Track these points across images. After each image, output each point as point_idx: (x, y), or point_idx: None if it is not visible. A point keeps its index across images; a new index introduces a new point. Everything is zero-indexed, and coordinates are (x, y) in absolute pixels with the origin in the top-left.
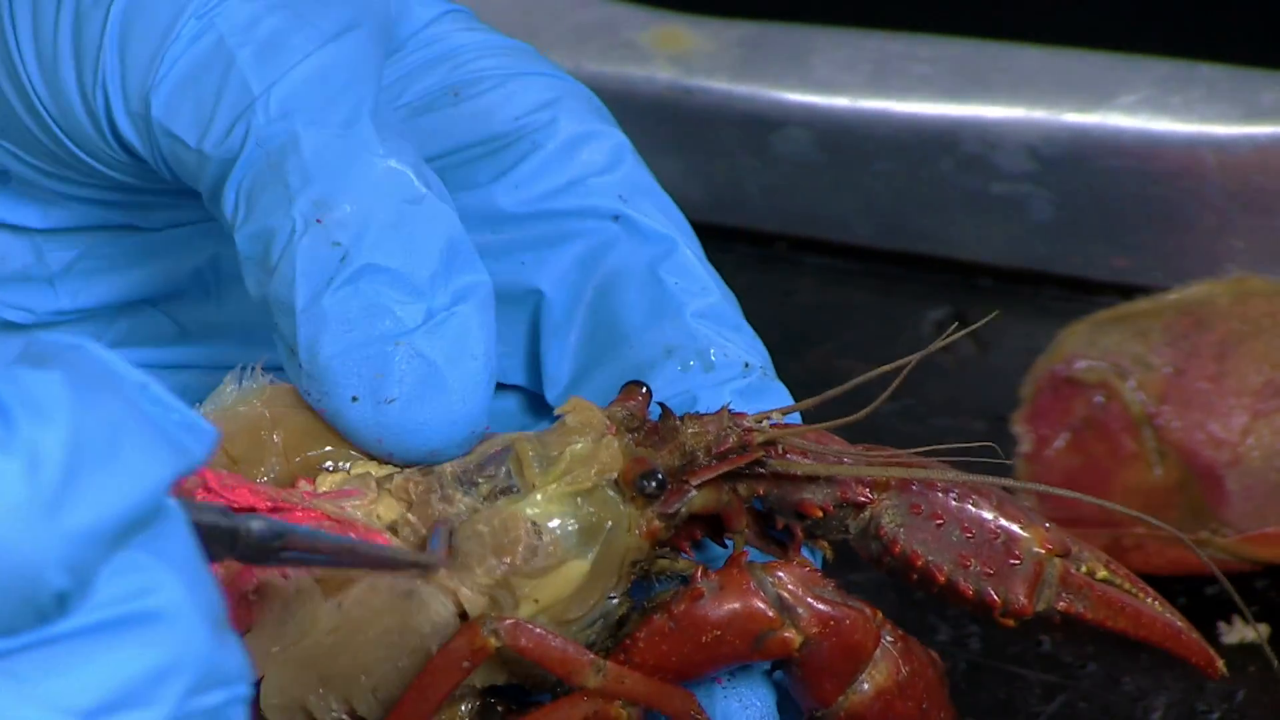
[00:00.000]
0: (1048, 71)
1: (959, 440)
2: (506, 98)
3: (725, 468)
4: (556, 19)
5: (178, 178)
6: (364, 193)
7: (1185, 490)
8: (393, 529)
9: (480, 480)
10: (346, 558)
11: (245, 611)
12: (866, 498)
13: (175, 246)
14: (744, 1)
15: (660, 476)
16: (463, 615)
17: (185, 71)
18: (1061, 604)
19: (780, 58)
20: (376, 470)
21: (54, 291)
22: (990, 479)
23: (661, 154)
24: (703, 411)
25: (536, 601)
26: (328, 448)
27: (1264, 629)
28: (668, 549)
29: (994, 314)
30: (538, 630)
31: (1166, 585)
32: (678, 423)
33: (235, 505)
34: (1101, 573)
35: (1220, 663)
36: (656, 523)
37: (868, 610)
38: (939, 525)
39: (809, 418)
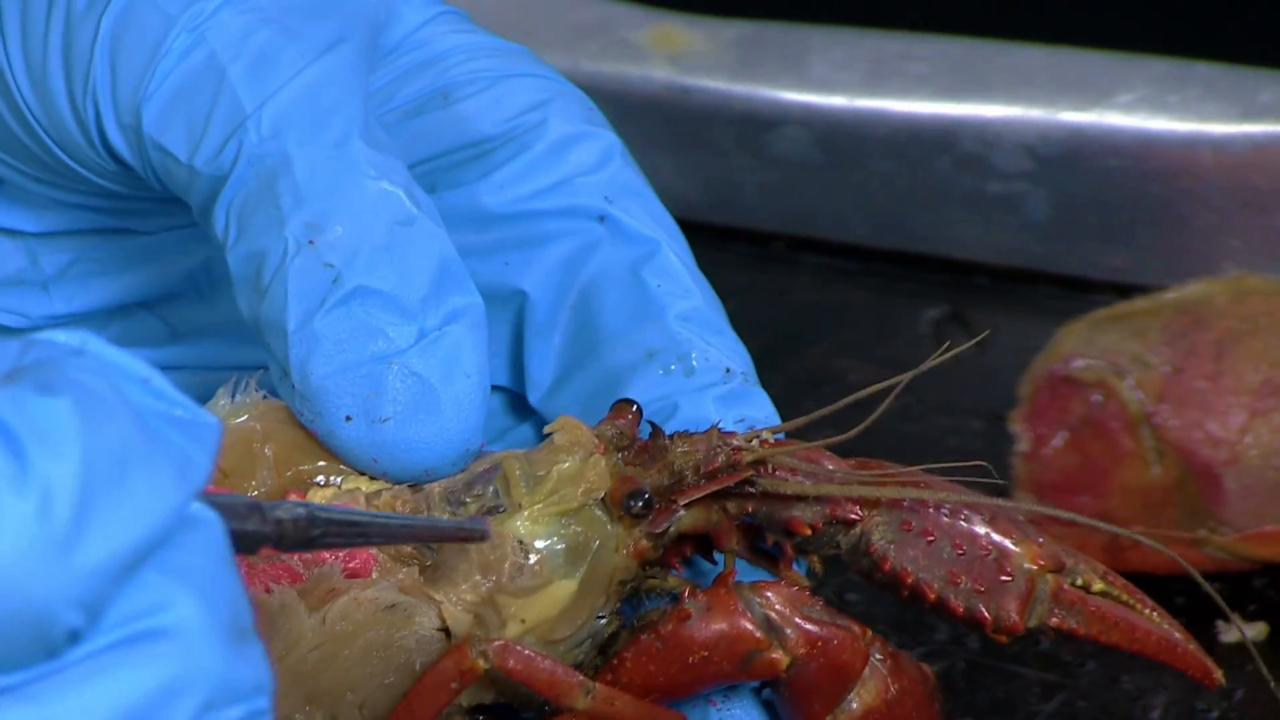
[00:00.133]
0: (1045, 70)
1: (956, 440)
2: (497, 100)
3: (713, 487)
4: (553, 18)
5: (168, 189)
6: (356, 214)
7: (1183, 489)
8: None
9: (468, 499)
10: (386, 535)
11: None
12: (856, 515)
13: (168, 250)
14: (741, 1)
15: (647, 496)
16: (446, 630)
17: (177, 85)
18: (1054, 620)
19: (777, 57)
20: (366, 486)
21: (48, 296)
22: (982, 499)
23: (658, 153)
24: (683, 417)
25: (523, 621)
26: (320, 463)
27: (1262, 627)
28: (657, 567)
29: (985, 333)
30: (526, 652)
31: (1165, 584)
32: (667, 442)
33: None
34: (1097, 585)
35: (1218, 674)
36: (644, 542)
37: (856, 629)
38: (930, 542)
39: (803, 432)
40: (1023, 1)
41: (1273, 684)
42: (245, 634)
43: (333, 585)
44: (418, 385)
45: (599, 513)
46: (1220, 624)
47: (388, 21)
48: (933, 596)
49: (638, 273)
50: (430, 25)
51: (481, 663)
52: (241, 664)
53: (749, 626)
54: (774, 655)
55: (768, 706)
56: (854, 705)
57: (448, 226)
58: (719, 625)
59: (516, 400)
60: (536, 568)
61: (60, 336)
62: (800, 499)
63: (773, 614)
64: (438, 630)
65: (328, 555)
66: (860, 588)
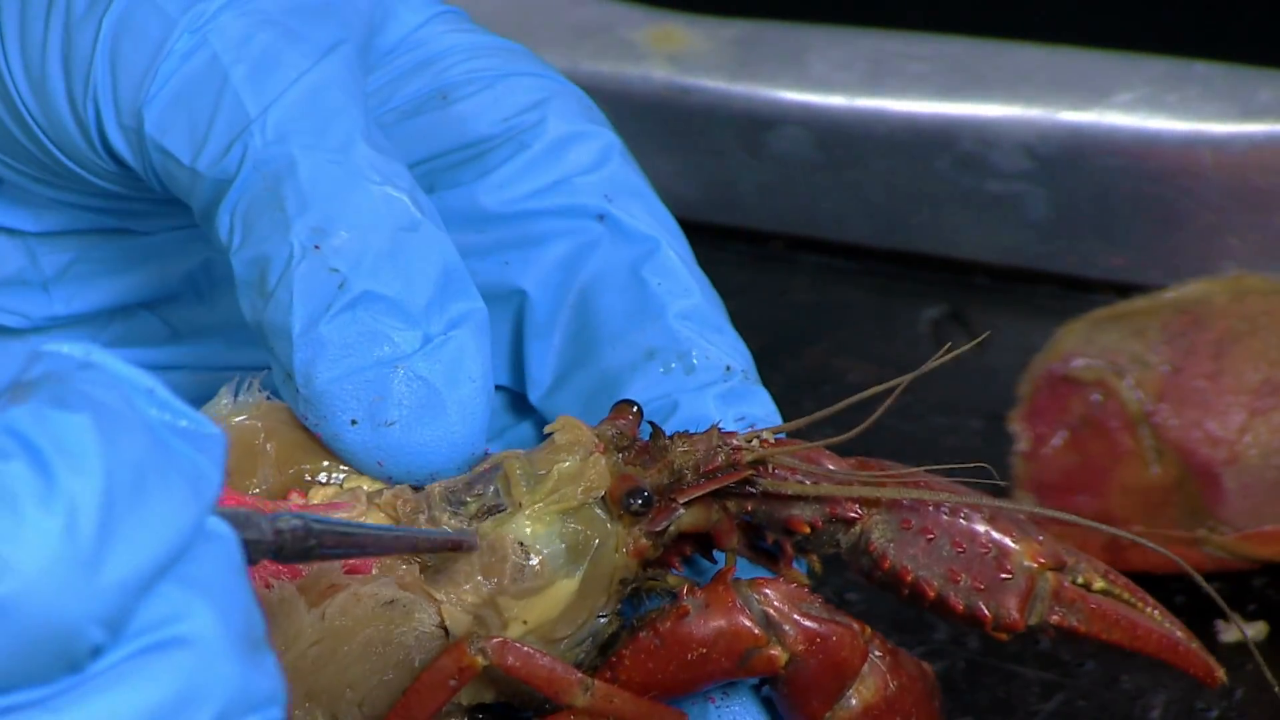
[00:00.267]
0: (1044, 70)
1: (956, 439)
2: (495, 100)
3: (713, 486)
4: (552, 18)
5: (168, 191)
6: (361, 219)
7: (1183, 488)
8: None
9: (469, 499)
10: (381, 545)
11: None
12: (856, 514)
13: (168, 250)
14: (740, 1)
15: (646, 495)
16: (445, 628)
17: (179, 87)
18: (1054, 618)
19: (776, 56)
20: (368, 485)
21: (48, 297)
22: (981, 498)
23: (657, 153)
24: (683, 415)
25: (524, 623)
26: (324, 462)
27: (1262, 627)
28: (658, 567)
29: (985, 334)
30: (525, 649)
31: (1165, 584)
32: (667, 441)
33: None
34: (1098, 583)
35: (1220, 672)
36: (644, 541)
37: (855, 626)
38: (929, 540)
39: (803, 431)
40: (1022, 1)
41: (1276, 686)
42: (259, 644)
43: (332, 581)
44: (423, 389)
45: (599, 512)
46: (1220, 624)
47: (383, 22)
48: (932, 595)
49: (637, 271)
50: (429, 25)
51: (480, 660)
52: (256, 674)
53: (747, 623)
54: (772, 652)
55: (767, 704)
56: (853, 702)
57: (447, 227)
58: (717, 622)
59: (517, 399)
60: (538, 569)
61: (65, 348)
62: (800, 498)
63: (771, 611)
64: (437, 627)
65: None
66: (860, 587)
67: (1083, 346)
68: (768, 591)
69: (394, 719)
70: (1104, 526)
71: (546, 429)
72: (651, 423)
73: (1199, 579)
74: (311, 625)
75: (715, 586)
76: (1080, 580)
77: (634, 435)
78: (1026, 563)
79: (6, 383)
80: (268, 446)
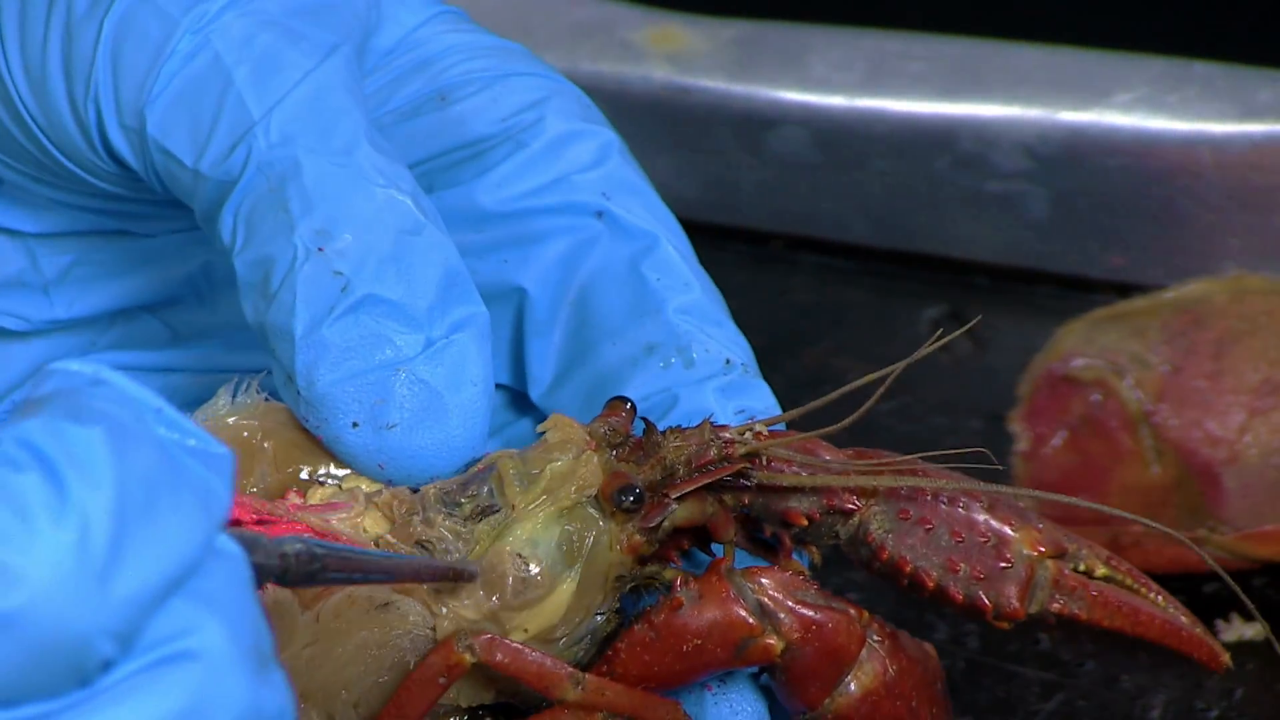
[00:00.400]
0: (1044, 70)
1: (956, 439)
2: (493, 100)
3: (705, 481)
4: (552, 18)
5: (169, 192)
6: (365, 222)
7: (1183, 488)
8: (376, 544)
9: (463, 500)
10: (383, 572)
11: None
12: (854, 504)
13: (168, 253)
14: (740, 0)
15: (638, 491)
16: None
17: (181, 88)
18: (1055, 606)
19: (776, 57)
20: (366, 485)
21: (49, 300)
22: (979, 484)
23: (657, 153)
24: (683, 409)
25: (525, 630)
26: (321, 465)
27: (1262, 627)
28: (655, 562)
29: (977, 319)
30: (513, 645)
31: (1165, 584)
32: (659, 437)
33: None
34: (1100, 570)
35: (1225, 656)
36: (638, 537)
37: (852, 611)
38: (928, 530)
39: (800, 423)
40: (1022, 1)
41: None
42: (267, 660)
43: (311, 587)
44: (425, 393)
45: (592, 510)
46: (1220, 623)
47: (381, 23)
48: (931, 585)
49: (636, 267)
50: (427, 25)
51: (468, 657)
52: (265, 689)
53: (742, 613)
54: (768, 641)
55: (766, 692)
56: (851, 687)
57: (446, 226)
58: (712, 613)
59: (517, 396)
60: (539, 579)
61: (75, 366)
62: (796, 490)
63: (766, 599)
64: (431, 630)
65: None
66: (860, 585)
67: (1083, 346)
68: (762, 580)
69: (386, 717)
70: (1103, 507)
71: (539, 428)
72: (644, 418)
73: (1212, 563)
74: (306, 626)
75: (709, 577)
76: (1082, 567)
77: (627, 431)
78: (1026, 551)
79: (5, 390)
80: (265, 445)
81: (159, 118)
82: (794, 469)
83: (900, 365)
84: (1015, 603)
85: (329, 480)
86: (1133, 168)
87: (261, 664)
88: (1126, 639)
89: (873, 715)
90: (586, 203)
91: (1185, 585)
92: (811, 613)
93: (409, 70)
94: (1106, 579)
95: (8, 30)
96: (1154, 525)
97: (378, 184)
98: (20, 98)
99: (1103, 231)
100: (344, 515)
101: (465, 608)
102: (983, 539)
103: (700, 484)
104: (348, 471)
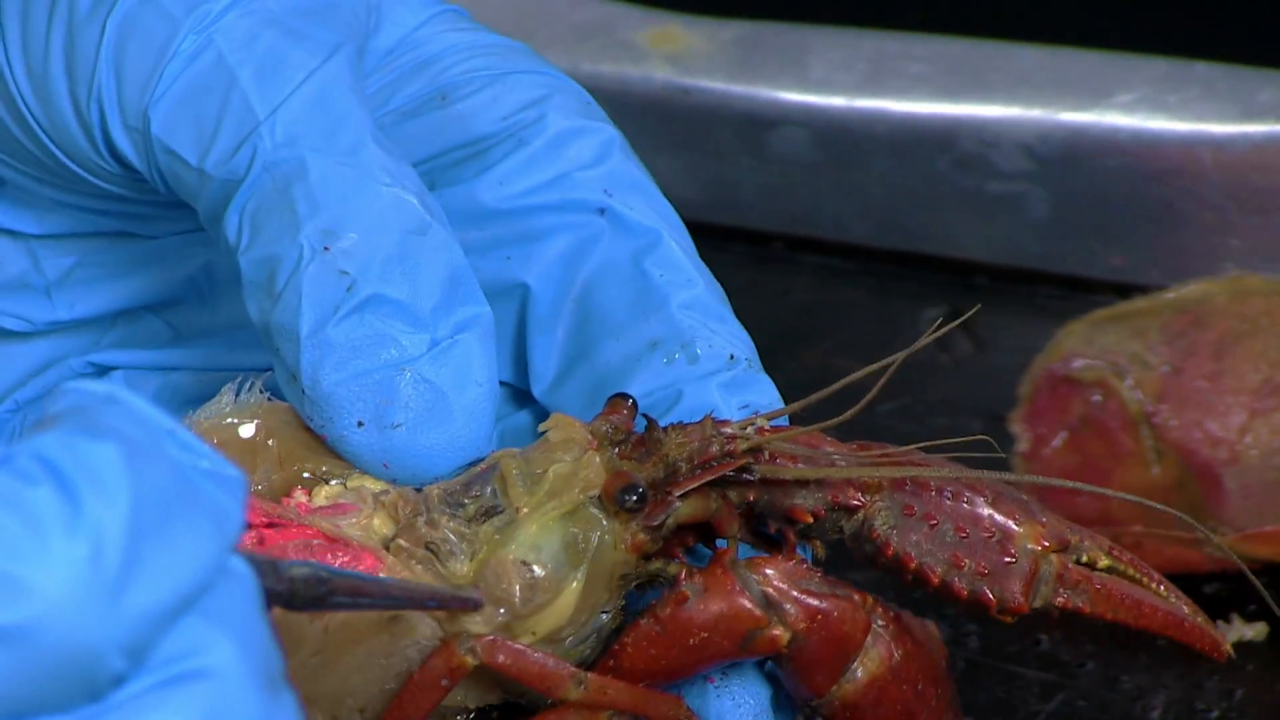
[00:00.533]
0: (1044, 70)
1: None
2: (494, 98)
3: (708, 477)
4: (553, 19)
5: (173, 192)
6: (370, 222)
7: (1183, 489)
8: (386, 546)
9: (467, 501)
10: (389, 599)
11: None
12: (858, 501)
13: (170, 253)
14: (740, 1)
15: (640, 490)
16: None
17: (185, 89)
18: (1059, 600)
19: (776, 57)
20: (372, 484)
21: (50, 302)
22: (984, 473)
23: (658, 153)
24: (687, 405)
25: (534, 634)
26: (324, 464)
27: (1262, 627)
28: (660, 558)
29: (975, 308)
30: (514, 646)
31: None
32: (661, 434)
33: None
34: (1103, 561)
35: (1227, 645)
36: (641, 536)
37: (857, 597)
38: (932, 526)
39: (800, 419)
40: (1023, 1)
41: None
42: (278, 681)
43: (316, 613)
44: (430, 393)
45: (595, 510)
46: (1220, 624)
47: (381, 23)
48: (936, 581)
49: (639, 264)
50: (428, 25)
51: (470, 659)
52: (276, 709)
53: (747, 605)
54: (774, 632)
55: (772, 679)
56: (858, 673)
57: (447, 219)
58: (717, 606)
59: (519, 394)
60: (545, 584)
61: (89, 384)
62: (801, 485)
63: (771, 590)
64: (440, 641)
65: (335, 564)
66: (861, 585)
67: (1083, 347)
68: (767, 571)
69: None
70: (1107, 490)
71: (541, 427)
72: (646, 415)
73: (1242, 565)
74: (314, 637)
75: (713, 569)
76: (1085, 559)
77: (629, 429)
78: (1030, 546)
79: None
80: (269, 444)
81: (163, 118)
82: (797, 463)
83: (900, 356)
84: (1020, 597)
85: (334, 480)
86: (1133, 168)
87: (271, 684)
88: (1127, 639)
89: (879, 700)
90: (588, 199)
91: (1185, 585)
92: (817, 601)
93: (410, 70)
94: (1110, 570)
95: (10, 31)
96: (1159, 507)
97: (383, 183)
98: (23, 98)
99: (1103, 232)
100: (353, 520)
101: (475, 623)
102: (987, 534)
103: (703, 481)
104: (351, 471)
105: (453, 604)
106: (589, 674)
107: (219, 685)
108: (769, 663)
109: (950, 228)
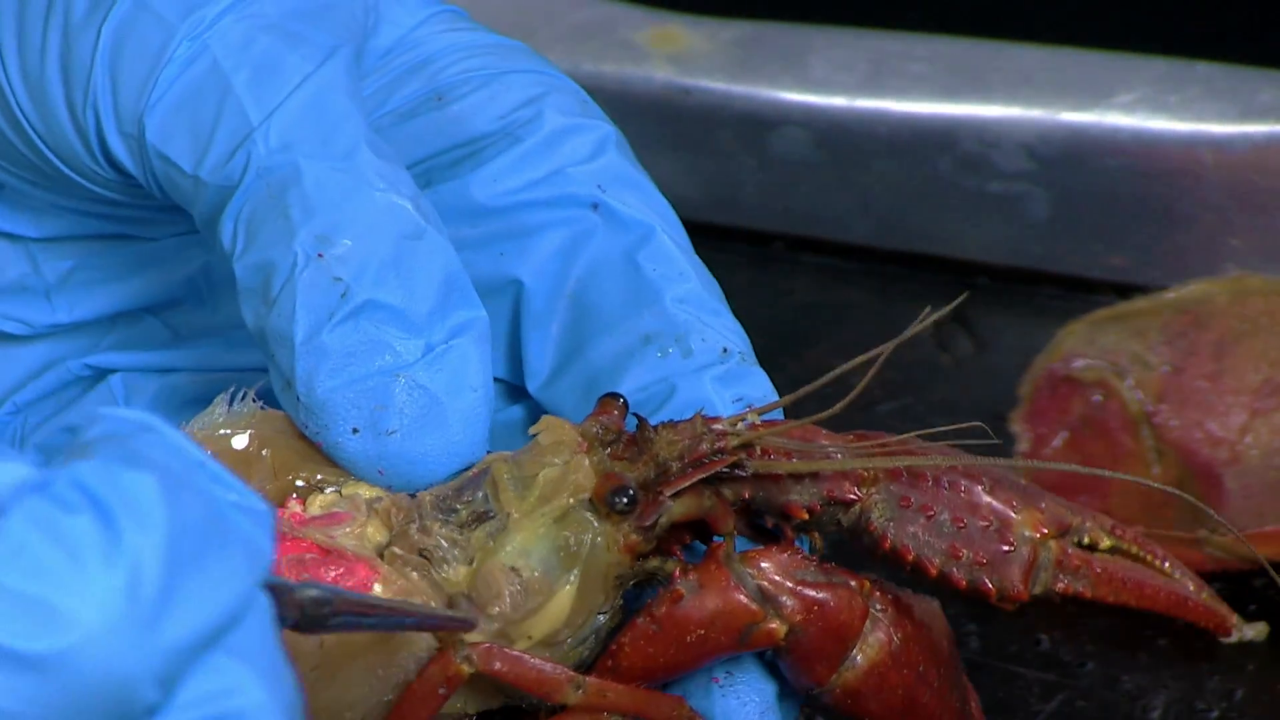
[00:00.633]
0: (1045, 70)
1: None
2: (490, 98)
3: (699, 476)
4: (553, 19)
5: (169, 198)
6: (365, 228)
7: (1183, 489)
8: (380, 553)
9: (459, 506)
10: (391, 618)
11: None
12: (854, 495)
13: (168, 255)
14: (741, 1)
15: (630, 492)
16: None
17: (180, 95)
18: (1060, 585)
19: (777, 57)
20: (366, 492)
21: (50, 305)
22: (979, 459)
23: (659, 153)
24: (681, 399)
25: (530, 638)
26: (319, 472)
27: (1262, 627)
28: (657, 556)
29: (963, 294)
30: (511, 653)
31: None
32: (652, 433)
33: None
34: (1105, 542)
35: (1234, 618)
36: (634, 537)
37: (854, 583)
38: (929, 517)
39: (796, 415)
40: (1023, 1)
41: None
42: (298, 717)
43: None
44: (425, 399)
45: (587, 513)
46: None
47: (378, 25)
48: (934, 572)
49: (632, 258)
50: (424, 25)
51: (466, 668)
52: None
53: (743, 600)
54: (771, 626)
55: (776, 671)
56: (858, 660)
57: (443, 223)
58: (712, 602)
59: (514, 389)
60: (536, 588)
61: (124, 412)
62: (795, 479)
63: (766, 584)
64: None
65: (328, 578)
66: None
67: (1083, 347)
68: (762, 564)
69: None
70: (1105, 472)
71: (531, 430)
72: (637, 414)
73: (1265, 562)
74: (311, 651)
75: (708, 566)
76: (1087, 540)
77: (620, 429)
78: (1028, 533)
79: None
80: (263, 454)
81: (158, 124)
82: (791, 458)
83: (889, 346)
84: (1019, 585)
85: (328, 488)
86: (1134, 168)
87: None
88: (1127, 639)
89: (880, 686)
90: (582, 195)
91: None
92: (813, 592)
93: (406, 71)
94: (1113, 550)
95: (5, 37)
96: (1155, 485)
97: (378, 188)
98: (19, 105)
99: (1104, 232)
100: (348, 529)
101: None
102: (984, 523)
103: (694, 479)
104: (346, 479)
105: (447, 625)
106: (588, 678)
107: None
108: (768, 653)
109: (950, 228)
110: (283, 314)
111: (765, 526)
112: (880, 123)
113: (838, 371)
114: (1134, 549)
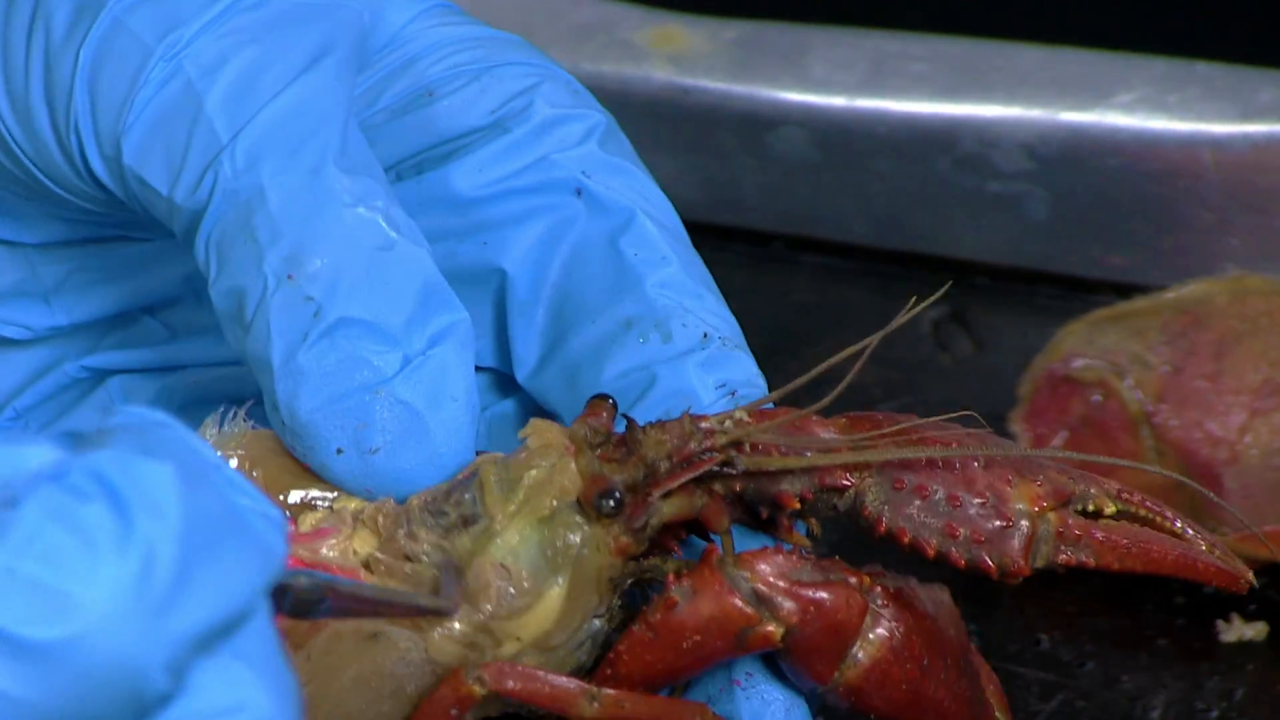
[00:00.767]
0: (1045, 70)
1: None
2: (481, 91)
3: (687, 475)
4: (553, 18)
5: (153, 217)
6: (334, 244)
7: (1183, 489)
8: (366, 565)
9: (448, 508)
10: (380, 606)
11: None
12: (847, 481)
13: (165, 255)
14: (741, 1)
15: (617, 494)
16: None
17: (155, 117)
18: (1061, 557)
19: (777, 57)
20: (353, 504)
21: (49, 308)
22: (977, 437)
23: (658, 153)
24: (663, 386)
25: (519, 639)
26: (311, 488)
27: (1262, 627)
28: (654, 555)
29: (948, 284)
30: (523, 670)
31: (1166, 583)
32: (640, 434)
33: None
34: (1110, 507)
35: (1248, 574)
36: (624, 538)
37: (852, 580)
38: (924, 497)
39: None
40: (1023, 1)
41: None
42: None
43: (313, 621)
44: (405, 414)
45: (575, 516)
46: (1220, 623)
47: (375, 23)
48: (932, 553)
49: (615, 243)
50: (416, 21)
51: (478, 689)
52: None
53: (737, 604)
54: (767, 628)
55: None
56: (859, 657)
57: (425, 212)
58: (707, 608)
59: (504, 380)
60: (524, 587)
61: (142, 410)
62: (787, 471)
63: (761, 586)
64: (424, 652)
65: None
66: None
67: (1083, 347)
68: (757, 567)
69: None
70: (1103, 459)
71: (520, 434)
72: (626, 415)
73: (1231, 510)
74: (300, 665)
75: (701, 570)
76: (1091, 506)
77: (609, 430)
78: (1025, 507)
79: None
80: (254, 474)
81: (134, 147)
82: (781, 452)
83: (876, 337)
84: (1019, 561)
85: (319, 504)
86: (1134, 168)
87: None
88: (1127, 640)
89: (884, 681)
90: (565, 180)
91: (1185, 585)
92: (809, 592)
93: (397, 68)
94: (1119, 515)
95: None
96: (1163, 472)
97: (345, 203)
98: (6, 126)
99: (1103, 232)
100: (333, 541)
101: (453, 629)
102: (980, 500)
103: (683, 479)
104: (337, 493)
105: (427, 612)
106: (602, 689)
107: None
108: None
109: (950, 228)
110: (258, 338)
111: (761, 517)
112: (880, 123)
113: (826, 365)
114: (1143, 512)
